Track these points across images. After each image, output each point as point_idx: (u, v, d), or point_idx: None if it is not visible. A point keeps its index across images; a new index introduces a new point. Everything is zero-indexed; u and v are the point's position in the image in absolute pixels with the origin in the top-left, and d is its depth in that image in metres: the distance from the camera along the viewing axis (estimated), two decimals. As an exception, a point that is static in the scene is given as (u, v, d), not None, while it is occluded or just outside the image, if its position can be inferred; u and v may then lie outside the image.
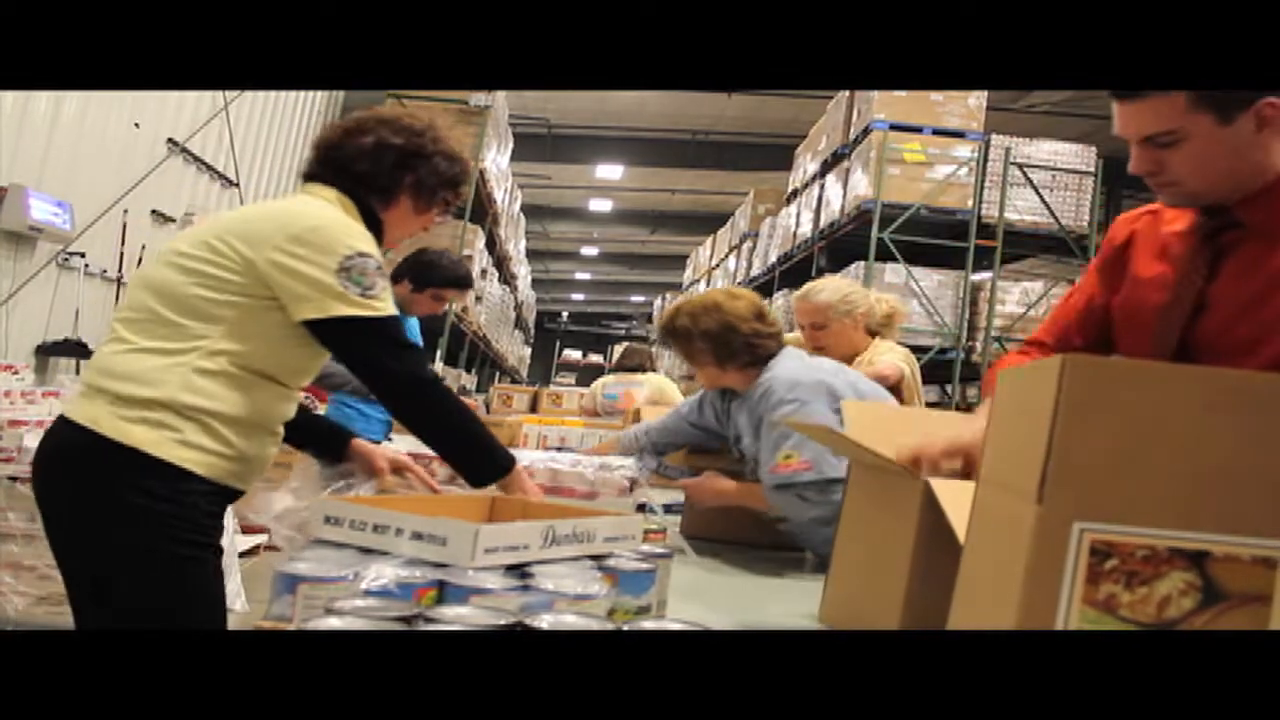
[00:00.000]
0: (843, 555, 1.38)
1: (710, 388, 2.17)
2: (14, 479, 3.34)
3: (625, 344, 6.20)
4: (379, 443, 1.91)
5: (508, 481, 1.61)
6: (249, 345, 1.60)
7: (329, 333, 1.59)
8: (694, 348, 2.02)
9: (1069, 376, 0.60)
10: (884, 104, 8.19)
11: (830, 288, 3.22)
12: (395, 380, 1.61)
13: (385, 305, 1.60)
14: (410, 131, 1.75)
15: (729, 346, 1.98)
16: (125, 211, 6.81)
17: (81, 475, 1.55)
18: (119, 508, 1.52)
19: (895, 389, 2.86)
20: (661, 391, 5.16)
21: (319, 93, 10.45)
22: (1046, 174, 8.50)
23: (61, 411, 1.61)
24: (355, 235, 1.62)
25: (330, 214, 1.65)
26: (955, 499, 1.01)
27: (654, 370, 5.73)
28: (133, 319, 1.62)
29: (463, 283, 3.53)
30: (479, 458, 1.60)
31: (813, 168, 10.23)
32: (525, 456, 1.84)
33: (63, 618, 1.94)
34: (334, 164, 1.72)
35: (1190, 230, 1.44)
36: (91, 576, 1.57)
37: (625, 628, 0.83)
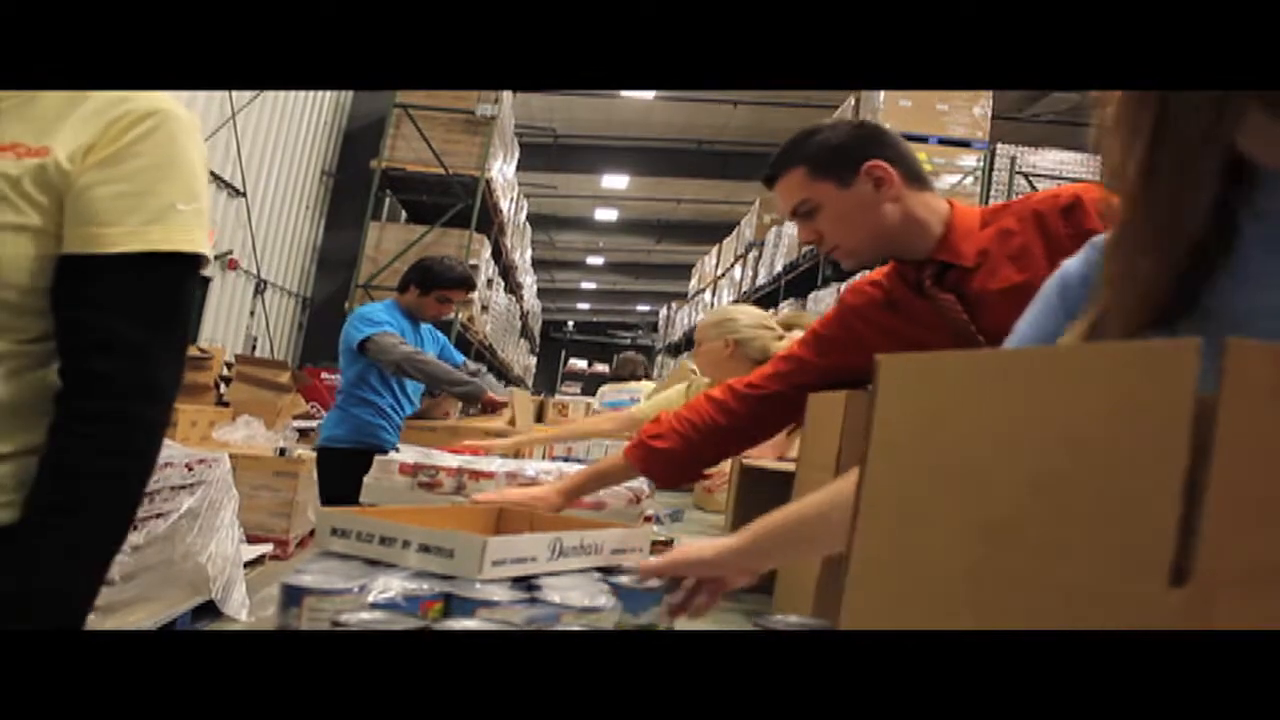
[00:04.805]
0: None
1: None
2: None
3: (618, 355, 6.20)
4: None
5: None
6: None
7: None
8: None
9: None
10: (889, 113, 8.21)
11: (725, 311, 2.73)
12: None
13: None
14: None
15: None
16: (132, 221, 6.83)
17: None
18: None
19: None
20: (669, 400, 5.13)
21: (326, 104, 10.51)
22: (1052, 183, 8.50)
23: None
24: None
25: None
26: None
27: (648, 378, 5.74)
28: None
29: (465, 282, 3.64)
30: None
31: (818, 177, 10.23)
32: (533, 466, 1.83)
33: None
34: None
35: (903, 287, 1.48)
36: None
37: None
